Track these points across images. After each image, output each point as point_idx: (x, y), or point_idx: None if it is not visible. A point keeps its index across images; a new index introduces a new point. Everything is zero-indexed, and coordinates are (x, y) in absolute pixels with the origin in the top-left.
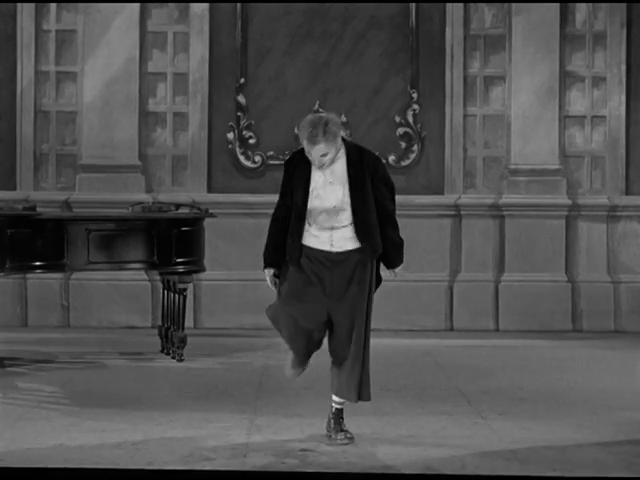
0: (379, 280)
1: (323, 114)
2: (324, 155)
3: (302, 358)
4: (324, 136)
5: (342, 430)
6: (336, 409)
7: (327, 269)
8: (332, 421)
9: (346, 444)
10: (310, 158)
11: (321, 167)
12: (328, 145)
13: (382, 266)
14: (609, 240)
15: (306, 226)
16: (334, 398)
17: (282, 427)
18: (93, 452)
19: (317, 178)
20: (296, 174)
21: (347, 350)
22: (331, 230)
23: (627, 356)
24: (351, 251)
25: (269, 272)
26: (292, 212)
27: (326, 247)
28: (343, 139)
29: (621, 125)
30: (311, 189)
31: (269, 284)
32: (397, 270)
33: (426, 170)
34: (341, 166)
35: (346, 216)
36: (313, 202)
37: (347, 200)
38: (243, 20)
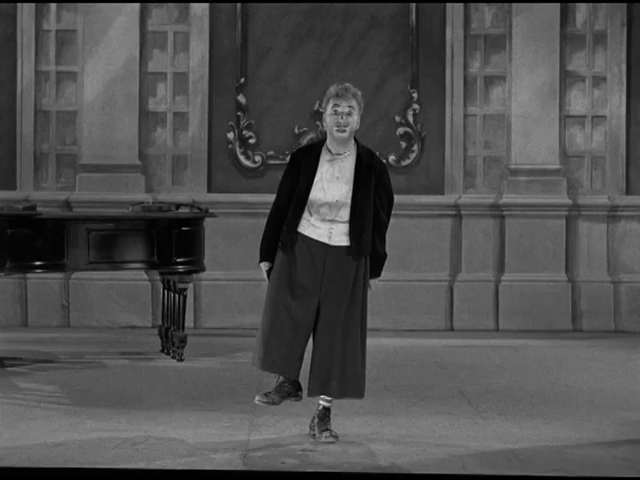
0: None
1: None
2: (349, 114)
3: (282, 360)
4: (354, 96)
5: (327, 429)
6: (323, 407)
7: (322, 261)
8: (317, 419)
9: (331, 442)
10: (331, 119)
11: (342, 132)
12: (356, 103)
13: None
14: (609, 240)
15: (306, 215)
16: (322, 396)
17: (282, 427)
18: (93, 452)
19: (324, 171)
20: (304, 164)
21: (336, 346)
22: (331, 223)
23: (627, 356)
24: (346, 247)
25: (266, 266)
26: (292, 201)
27: (324, 239)
28: (356, 140)
29: (621, 125)
30: (316, 180)
31: (265, 278)
32: (372, 282)
33: (426, 170)
34: (350, 164)
35: (346, 212)
36: (317, 194)
37: (350, 197)
38: (243, 20)
